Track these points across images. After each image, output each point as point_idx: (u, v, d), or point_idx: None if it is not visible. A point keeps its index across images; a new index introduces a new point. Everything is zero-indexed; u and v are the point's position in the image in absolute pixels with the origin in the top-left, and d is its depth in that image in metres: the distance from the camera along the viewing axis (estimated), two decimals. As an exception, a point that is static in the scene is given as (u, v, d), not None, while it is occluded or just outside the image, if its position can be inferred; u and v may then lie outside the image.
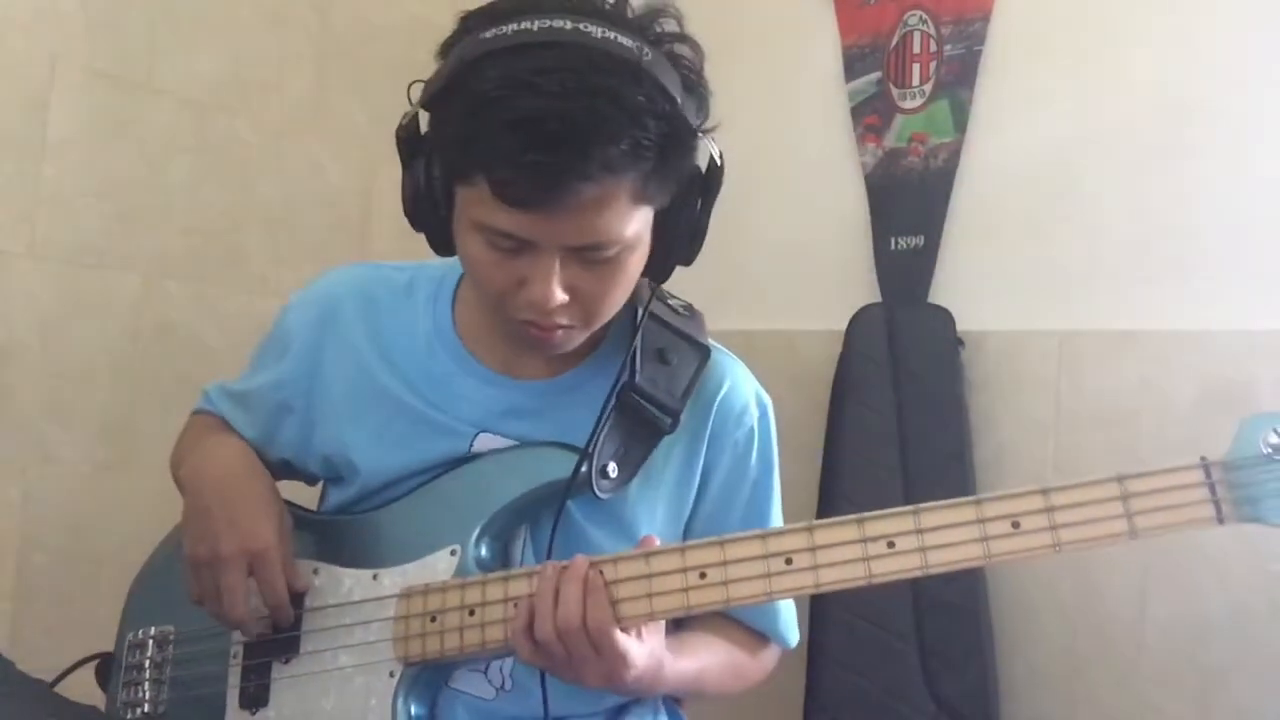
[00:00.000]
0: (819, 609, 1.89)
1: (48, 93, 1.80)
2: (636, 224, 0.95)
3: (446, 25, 0.98)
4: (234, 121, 2.08)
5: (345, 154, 2.25)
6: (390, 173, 1.04)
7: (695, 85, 0.97)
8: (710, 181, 1.00)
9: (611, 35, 0.91)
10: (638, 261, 0.99)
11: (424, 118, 0.99)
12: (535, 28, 0.90)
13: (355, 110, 2.25)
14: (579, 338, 1.02)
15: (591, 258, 0.95)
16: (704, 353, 1.10)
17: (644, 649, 0.94)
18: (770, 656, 1.19)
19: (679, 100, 0.93)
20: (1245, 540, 1.64)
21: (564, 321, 0.98)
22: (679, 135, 0.93)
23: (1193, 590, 1.71)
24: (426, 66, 0.98)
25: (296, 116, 2.19)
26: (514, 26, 0.90)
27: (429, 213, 0.98)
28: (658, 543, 0.96)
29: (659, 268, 1.03)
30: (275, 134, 2.15)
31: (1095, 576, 1.79)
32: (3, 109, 1.75)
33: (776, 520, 1.17)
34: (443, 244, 1.01)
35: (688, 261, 1.03)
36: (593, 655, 0.92)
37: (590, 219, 0.91)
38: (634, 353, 1.05)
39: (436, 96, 0.94)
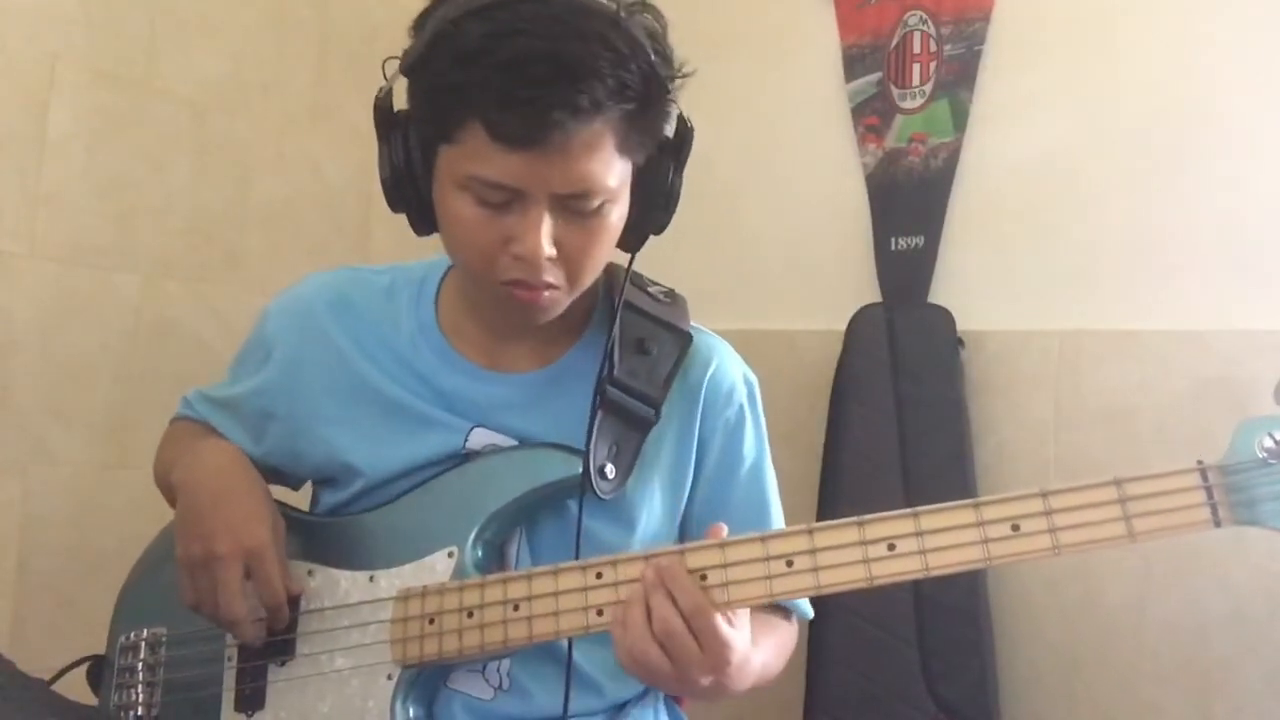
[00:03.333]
0: (820, 608, 1.87)
1: (48, 93, 1.79)
2: (619, 176, 0.97)
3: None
4: (234, 121, 2.08)
5: (345, 154, 2.24)
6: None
7: (661, 49, 0.98)
8: (681, 145, 1.02)
9: None
10: (618, 219, 1.00)
11: (400, 95, 0.99)
12: None
13: (355, 110, 2.24)
14: (563, 302, 1.02)
15: (578, 208, 0.96)
16: (685, 339, 1.10)
17: (741, 634, 0.92)
18: (795, 630, 1.19)
19: (652, 54, 0.95)
20: (1245, 541, 1.64)
21: (551, 280, 0.98)
22: (657, 87, 0.96)
23: (1193, 590, 1.71)
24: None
25: (296, 116, 2.19)
26: None
27: (408, 185, 0.99)
28: (725, 533, 0.93)
29: (634, 234, 1.04)
30: (275, 134, 2.15)
31: (1095, 577, 1.78)
32: (3, 109, 1.75)
33: (775, 503, 1.17)
34: (423, 220, 1.01)
35: (659, 229, 1.05)
36: (697, 650, 0.89)
37: (579, 163, 0.93)
38: (611, 346, 1.06)
39: (418, 61, 0.95)
